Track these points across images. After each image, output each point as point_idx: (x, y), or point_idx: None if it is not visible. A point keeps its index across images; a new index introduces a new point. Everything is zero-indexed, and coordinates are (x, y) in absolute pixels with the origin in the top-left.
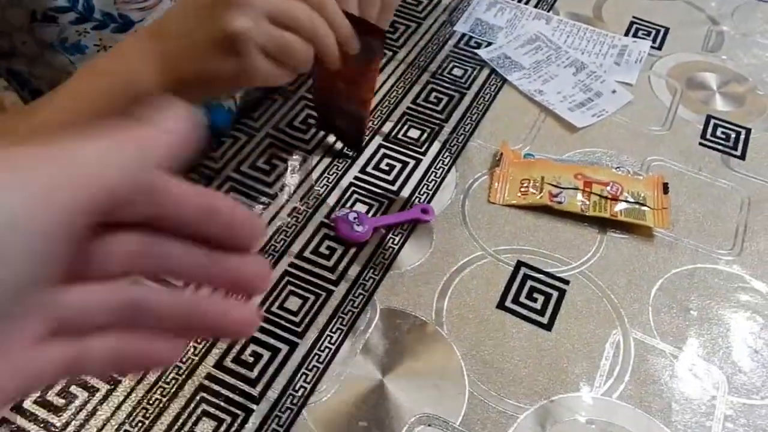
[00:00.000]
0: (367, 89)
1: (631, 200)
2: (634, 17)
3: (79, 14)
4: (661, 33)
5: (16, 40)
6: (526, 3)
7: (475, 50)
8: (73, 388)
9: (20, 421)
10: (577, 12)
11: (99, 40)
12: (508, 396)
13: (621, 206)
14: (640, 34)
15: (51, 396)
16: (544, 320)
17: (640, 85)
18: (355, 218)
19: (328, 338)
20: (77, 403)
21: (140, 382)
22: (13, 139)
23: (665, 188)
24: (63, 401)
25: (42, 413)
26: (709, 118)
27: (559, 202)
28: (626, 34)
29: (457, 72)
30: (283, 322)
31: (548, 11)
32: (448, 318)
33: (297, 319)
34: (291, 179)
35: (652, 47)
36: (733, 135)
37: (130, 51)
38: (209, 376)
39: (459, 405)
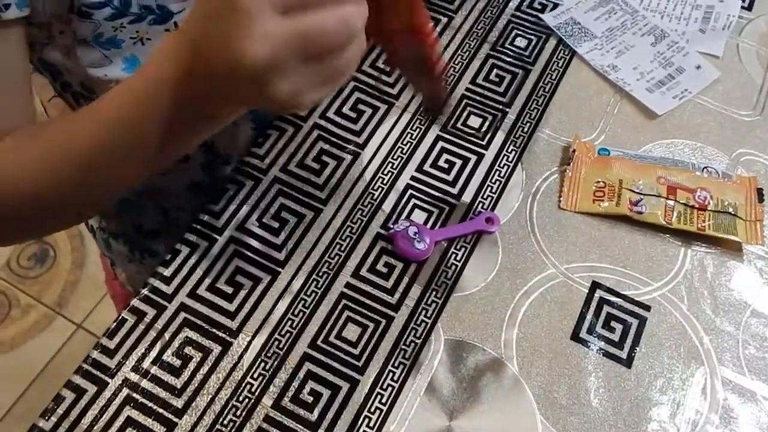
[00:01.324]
0: (411, 11)
1: (721, 210)
2: None
3: (116, 9)
4: None
5: (54, 30)
6: None
7: (540, 14)
8: None
9: None
10: None
11: (135, 32)
12: None
13: (709, 219)
14: None
15: None
16: (623, 355)
17: (727, 58)
18: (415, 233)
19: (391, 374)
20: None
21: (197, 424)
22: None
23: (760, 195)
24: None
25: None
26: None
27: (639, 212)
28: None
29: (520, 42)
30: (342, 355)
31: None
32: (518, 351)
33: (356, 351)
34: (343, 180)
35: (742, 7)
36: None
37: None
38: (268, 419)
39: None
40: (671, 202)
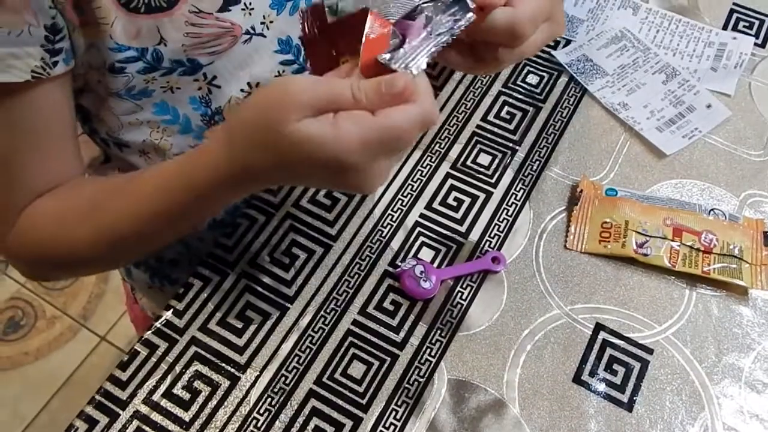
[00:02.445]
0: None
1: (726, 254)
2: (735, 4)
3: (148, 64)
4: (766, 25)
5: (91, 79)
6: None
7: (552, 50)
8: None
9: None
10: None
11: (166, 83)
12: None
13: (714, 263)
14: (741, 26)
15: None
16: (624, 398)
17: (738, 96)
18: (422, 272)
19: (394, 413)
20: None
21: None
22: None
23: (766, 239)
24: None
25: None
26: None
27: (645, 254)
28: (725, 27)
29: (532, 79)
30: (346, 392)
31: None
32: (521, 392)
33: (361, 389)
34: (353, 216)
35: (755, 44)
36: None
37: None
38: None
39: None
40: (677, 245)
